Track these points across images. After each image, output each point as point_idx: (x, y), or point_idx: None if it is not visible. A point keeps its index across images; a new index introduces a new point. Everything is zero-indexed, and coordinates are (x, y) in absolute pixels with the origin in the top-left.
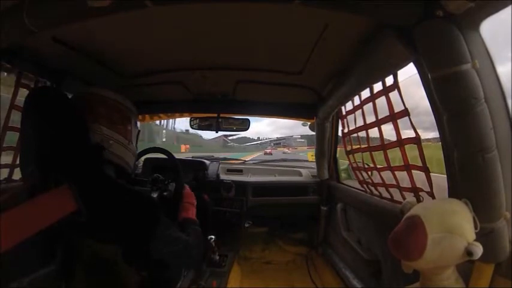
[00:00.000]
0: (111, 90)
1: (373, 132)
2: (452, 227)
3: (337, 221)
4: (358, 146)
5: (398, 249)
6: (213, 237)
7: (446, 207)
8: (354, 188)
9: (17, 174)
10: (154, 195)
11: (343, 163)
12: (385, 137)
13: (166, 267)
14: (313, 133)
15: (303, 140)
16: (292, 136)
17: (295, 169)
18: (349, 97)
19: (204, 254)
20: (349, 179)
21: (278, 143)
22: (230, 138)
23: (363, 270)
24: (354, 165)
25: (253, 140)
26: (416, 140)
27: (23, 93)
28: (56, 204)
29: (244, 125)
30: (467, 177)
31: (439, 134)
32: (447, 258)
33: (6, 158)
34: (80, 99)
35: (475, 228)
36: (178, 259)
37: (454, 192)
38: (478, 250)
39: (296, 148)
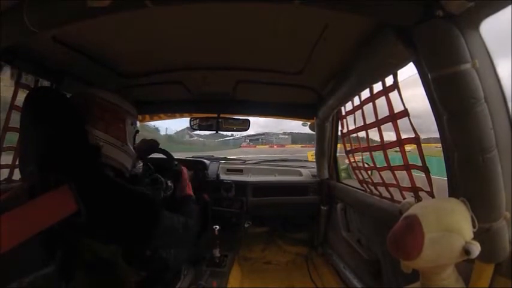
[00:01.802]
0: (108, 90)
1: (373, 133)
2: (449, 225)
3: (337, 221)
4: (358, 146)
5: (396, 248)
6: (217, 226)
7: (443, 205)
8: (354, 187)
9: (17, 175)
10: (154, 195)
11: (343, 162)
12: (384, 137)
13: (166, 265)
14: (298, 131)
15: (286, 137)
16: (272, 132)
17: (295, 169)
18: (350, 97)
19: (205, 227)
20: (350, 179)
21: (256, 139)
22: (203, 134)
23: (363, 270)
24: (354, 165)
25: (227, 136)
26: (416, 140)
27: (23, 93)
28: (56, 205)
29: (245, 125)
30: (467, 177)
31: (439, 134)
32: (445, 257)
33: (6, 158)
34: (76, 99)
35: (473, 227)
36: (179, 241)
37: (454, 191)
38: (476, 249)
39: (284, 146)
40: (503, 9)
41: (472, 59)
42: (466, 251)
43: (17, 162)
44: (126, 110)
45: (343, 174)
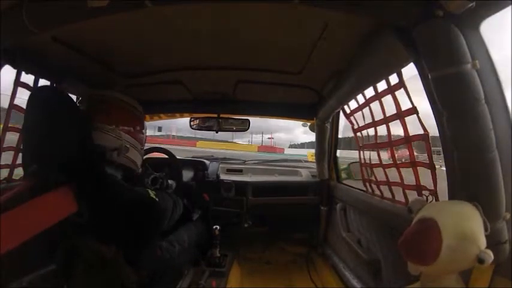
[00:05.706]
0: (127, 95)
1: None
2: (466, 233)
3: (337, 221)
4: (366, 143)
5: (411, 253)
6: (217, 226)
7: (460, 210)
8: (354, 188)
9: (17, 175)
10: (154, 194)
11: (343, 163)
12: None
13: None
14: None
15: None
16: None
17: (295, 169)
18: (350, 97)
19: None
20: (350, 179)
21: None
22: None
23: (363, 270)
24: (363, 161)
25: None
26: (424, 137)
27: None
28: (57, 204)
29: (245, 125)
30: (467, 177)
31: (439, 134)
32: (458, 263)
33: (6, 158)
34: (97, 101)
35: (486, 231)
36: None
37: (453, 192)
38: (489, 258)
39: None
40: (503, 9)
41: (472, 59)
42: (480, 260)
43: (17, 162)
44: (144, 117)
45: (343, 175)
